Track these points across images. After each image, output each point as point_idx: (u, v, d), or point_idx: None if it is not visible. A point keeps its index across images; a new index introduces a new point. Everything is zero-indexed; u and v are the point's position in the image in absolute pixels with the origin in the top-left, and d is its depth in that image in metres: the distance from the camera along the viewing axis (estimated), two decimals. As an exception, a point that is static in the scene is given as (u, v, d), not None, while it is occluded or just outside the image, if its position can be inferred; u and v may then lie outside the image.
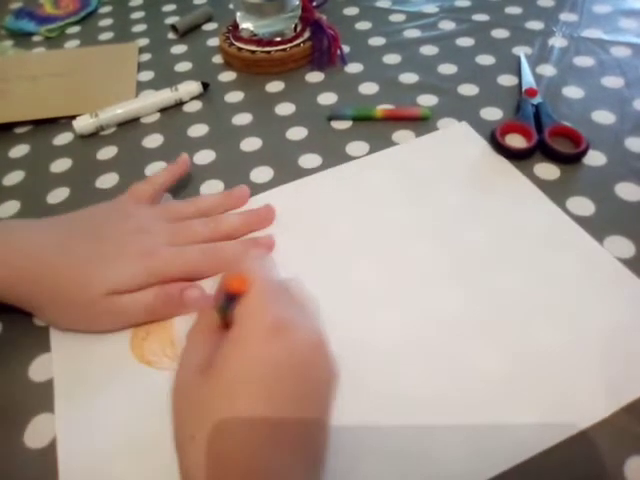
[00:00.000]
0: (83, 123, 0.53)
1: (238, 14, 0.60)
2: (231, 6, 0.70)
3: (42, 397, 0.34)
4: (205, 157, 0.50)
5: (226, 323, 0.28)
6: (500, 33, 0.61)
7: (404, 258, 0.39)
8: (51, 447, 0.32)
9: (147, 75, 0.62)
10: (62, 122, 0.56)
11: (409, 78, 0.56)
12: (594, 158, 0.45)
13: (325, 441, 0.26)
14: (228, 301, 0.28)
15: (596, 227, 0.40)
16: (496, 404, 0.31)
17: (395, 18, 0.66)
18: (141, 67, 0.63)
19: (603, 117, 0.49)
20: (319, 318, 0.28)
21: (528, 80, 0.53)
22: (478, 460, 0.29)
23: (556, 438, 0.29)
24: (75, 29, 0.73)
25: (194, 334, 0.30)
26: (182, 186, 0.47)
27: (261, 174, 0.47)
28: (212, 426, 0.24)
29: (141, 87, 0.60)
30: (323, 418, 0.26)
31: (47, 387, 0.34)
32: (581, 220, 0.40)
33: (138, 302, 0.35)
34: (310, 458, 0.26)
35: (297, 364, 0.26)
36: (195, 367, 0.27)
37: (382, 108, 0.52)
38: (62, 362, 0.35)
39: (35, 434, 0.32)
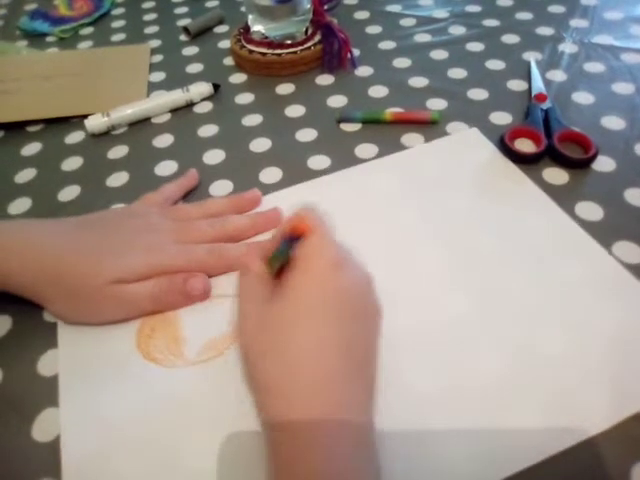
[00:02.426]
0: (95, 122, 0.54)
1: (250, 17, 0.61)
2: (243, 9, 0.70)
3: (50, 391, 0.34)
4: (215, 157, 0.50)
5: (278, 271, 0.31)
6: (510, 38, 0.62)
7: (410, 261, 0.39)
8: (58, 441, 0.32)
9: (158, 76, 0.62)
10: (74, 121, 0.56)
11: (419, 82, 0.56)
12: (603, 164, 0.45)
13: (377, 370, 0.29)
14: (290, 243, 0.30)
15: (605, 232, 0.40)
16: (499, 408, 0.31)
17: (405, 22, 0.66)
18: (153, 68, 0.64)
19: (613, 123, 0.49)
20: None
21: (538, 85, 0.53)
22: (480, 463, 0.29)
23: (561, 445, 0.29)
24: (88, 30, 0.74)
25: (248, 279, 0.31)
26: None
27: (270, 175, 0.47)
28: (285, 342, 0.27)
29: (152, 88, 0.60)
30: (377, 344, 0.29)
31: (55, 382, 0.35)
32: (589, 225, 0.40)
33: (142, 290, 0.36)
34: (369, 379, 0.28)
35: (356, 294, 0.29)
36: (258, 300, 0.30)
37: (391, 111, 0.52)
38: (68, 357, 0.36)
39: (43, 428, 0.32)
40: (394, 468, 0.29)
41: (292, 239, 0.30)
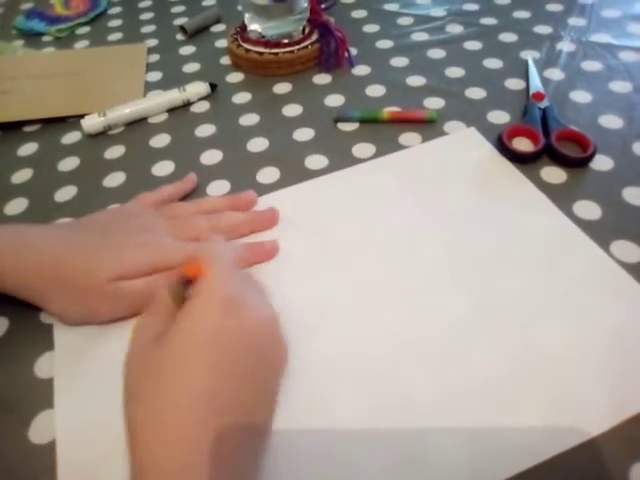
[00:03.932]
0: (91, 122, 0.54)
1: (246, 16, 0.61)
2: (239, 8, 0.70)
3: (47, 394, 0.34)
4: (212, 157, 0.50)
5: (179, 304, 0.30)
6: (508, 37, 0.61)
7: (408, 261, 0.39)
8: (55, 443, 0.32)
9: (155, 75, 0.62)
10: (70, 121, 0.56)
11: (416, 81, 0.56)
12: (601, 162, 0.45)
13: (269, 414, 0.28)
14: (186, 284, 0.30)
15: (602, 231, 0.39)
16: (499, 409, 0.31)
17: (403, 21, 0.66)
18: (149, 67, 0.64)
19: (611, 122, 0.49)
20: (272, 300, 0.31)
21: (535, 84, 0.53)
22: (481, 464, 0.29)
23: (561, 446, 0.29)
24: (85, 29, 0.73)
25: (149, 310, 0.31)
26: (189, 186, 0.47)
27: (267, 175, 0.47)
28: (156, 388, 0.26)
29: (149, 87, 0.60)
30: (269, 390, 0.29)
31: (52, 384, 0.34)
32: (587, 224, 0.40)
33: (143, 285, 0.36)
34: (253, 428, 0.27)
35: (244, 338, 0.28)
36: (149, 336, 0.28)
37: (389, 110, 0.52)
38: (63, 360, 0.36)
39: (40, 430, 0.32)
40: (395, 468, 0.29)
41: (188, 281, 0.30)
